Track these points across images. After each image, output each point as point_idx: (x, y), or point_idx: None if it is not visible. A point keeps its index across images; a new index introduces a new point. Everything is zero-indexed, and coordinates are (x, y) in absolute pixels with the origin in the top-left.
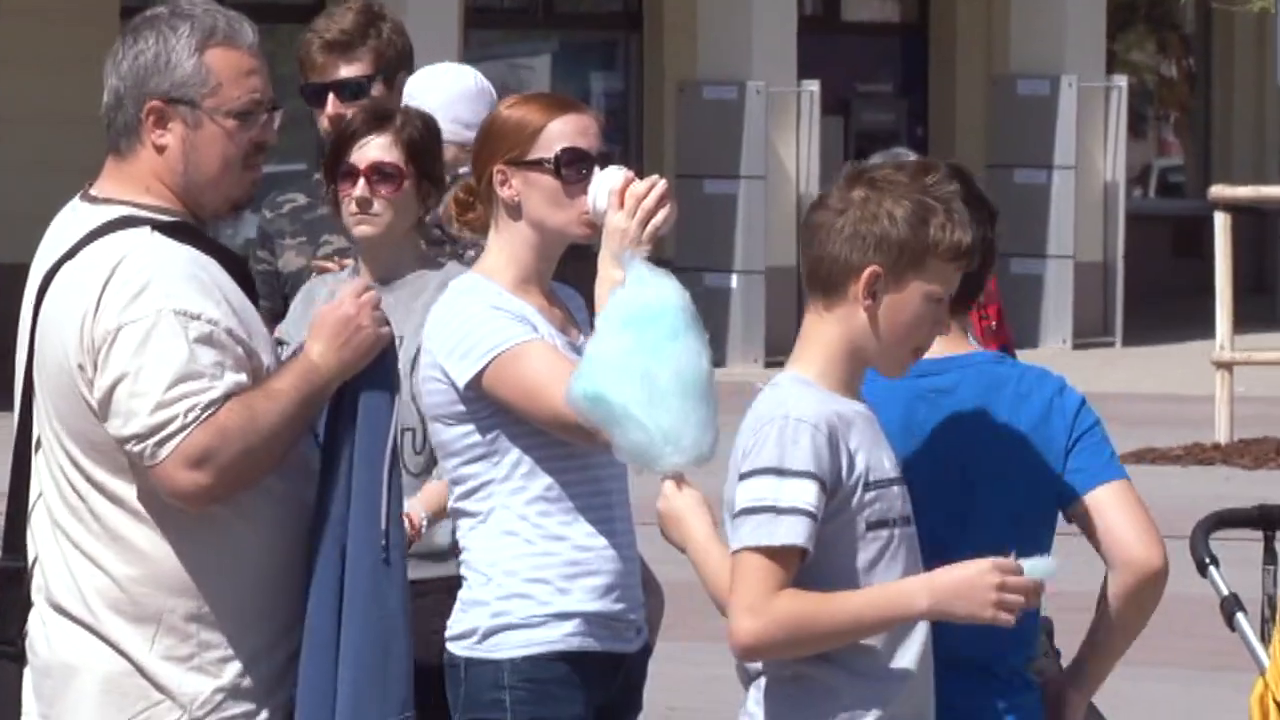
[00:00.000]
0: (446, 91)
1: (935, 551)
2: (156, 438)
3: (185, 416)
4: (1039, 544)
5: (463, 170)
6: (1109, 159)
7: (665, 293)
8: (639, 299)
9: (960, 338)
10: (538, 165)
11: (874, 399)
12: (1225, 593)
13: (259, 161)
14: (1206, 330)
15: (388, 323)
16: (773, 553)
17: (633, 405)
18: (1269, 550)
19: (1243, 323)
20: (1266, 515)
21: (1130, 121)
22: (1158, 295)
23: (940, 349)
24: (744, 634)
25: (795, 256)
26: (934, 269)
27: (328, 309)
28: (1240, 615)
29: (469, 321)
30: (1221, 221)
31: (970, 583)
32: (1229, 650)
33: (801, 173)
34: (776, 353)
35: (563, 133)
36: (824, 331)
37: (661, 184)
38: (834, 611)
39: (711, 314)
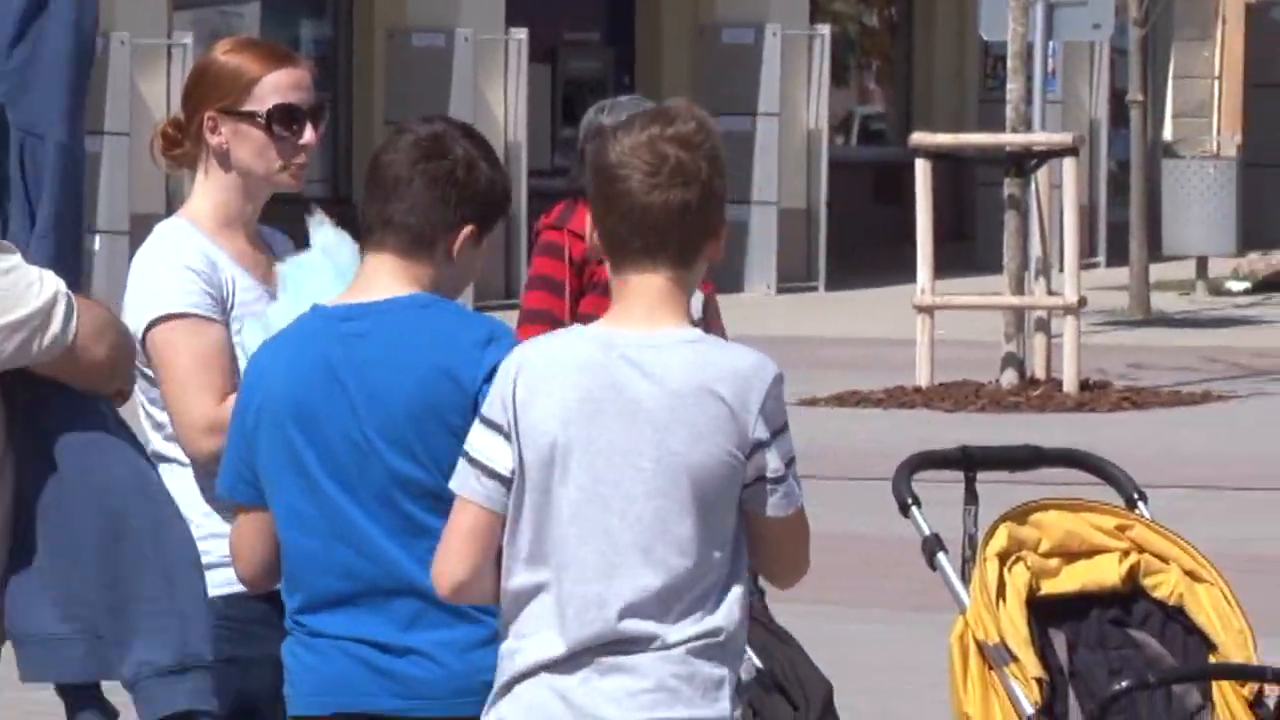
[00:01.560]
0: None
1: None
2: None
3: None
4: (439, 498)
5: None
6: (812, 106)
7: (320, 252)
8: (303, 257)
9: (404, 280)
10: (249, 118)
11: (299, 341)
12: (926, 533)
13: None
14: (908, 275)
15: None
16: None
17: None
18: (969, 491)
19: (942, 268)
20: (967, 456)
21: (833, 70)
22: (860, 241)
23: (369, 294)
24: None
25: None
26: None
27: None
28: (941, 555)
29: (154, 277)
30: (922, 168)
31: None
32: (931, 590)
33: (509, 119)
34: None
35: (277, 87)
36: (681, 292)
37: None
38: None
39: None
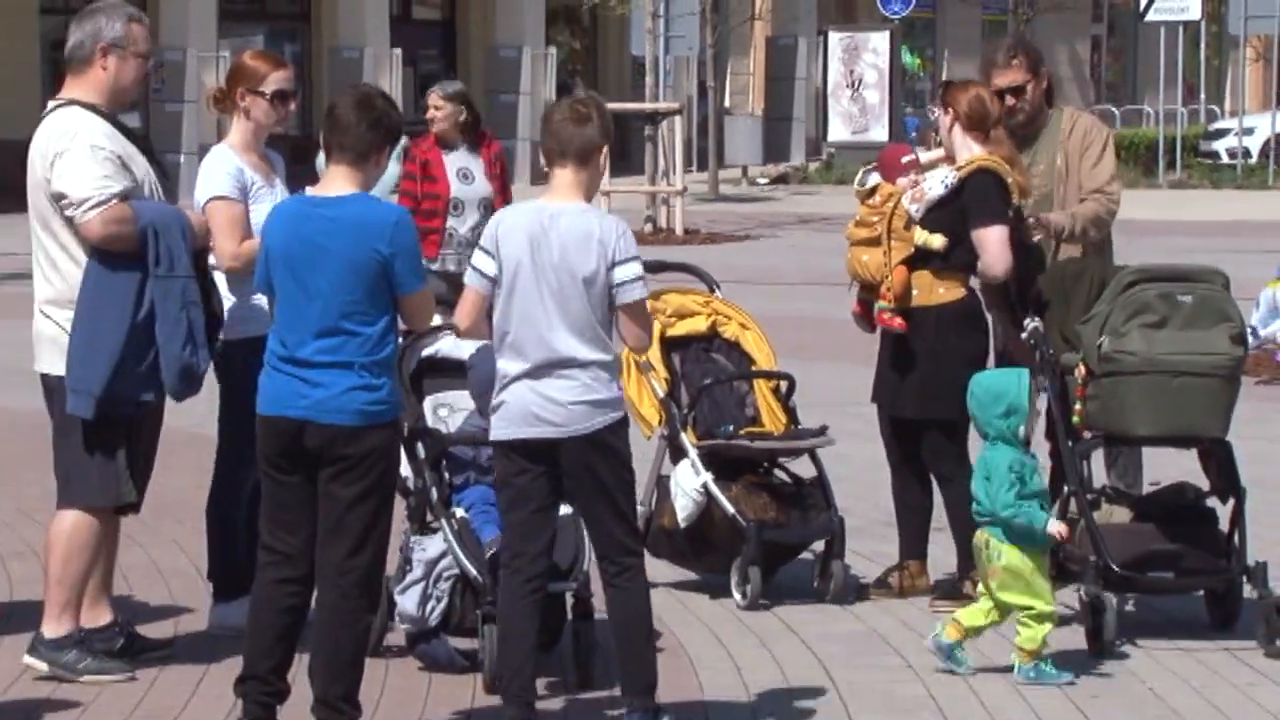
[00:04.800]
0: None
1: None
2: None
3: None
4: (363, 314)
5: None
6: (548, 89)
7: None
8: None
9: (351, 182)
10: (263, 95)
11: (289, 215)
12: None
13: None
14: None
15: None
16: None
17: None
18: None
19: (614, 173)
20: None
21: (557, 71)
22: None
23: (331, 190)
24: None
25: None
26: None
27: None
28: None
29: (209, 175)
30: None
31: None
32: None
33: (393, 96)
34: None
35: (277, 80)
36: (582, 182)
37: None
38: None
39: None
